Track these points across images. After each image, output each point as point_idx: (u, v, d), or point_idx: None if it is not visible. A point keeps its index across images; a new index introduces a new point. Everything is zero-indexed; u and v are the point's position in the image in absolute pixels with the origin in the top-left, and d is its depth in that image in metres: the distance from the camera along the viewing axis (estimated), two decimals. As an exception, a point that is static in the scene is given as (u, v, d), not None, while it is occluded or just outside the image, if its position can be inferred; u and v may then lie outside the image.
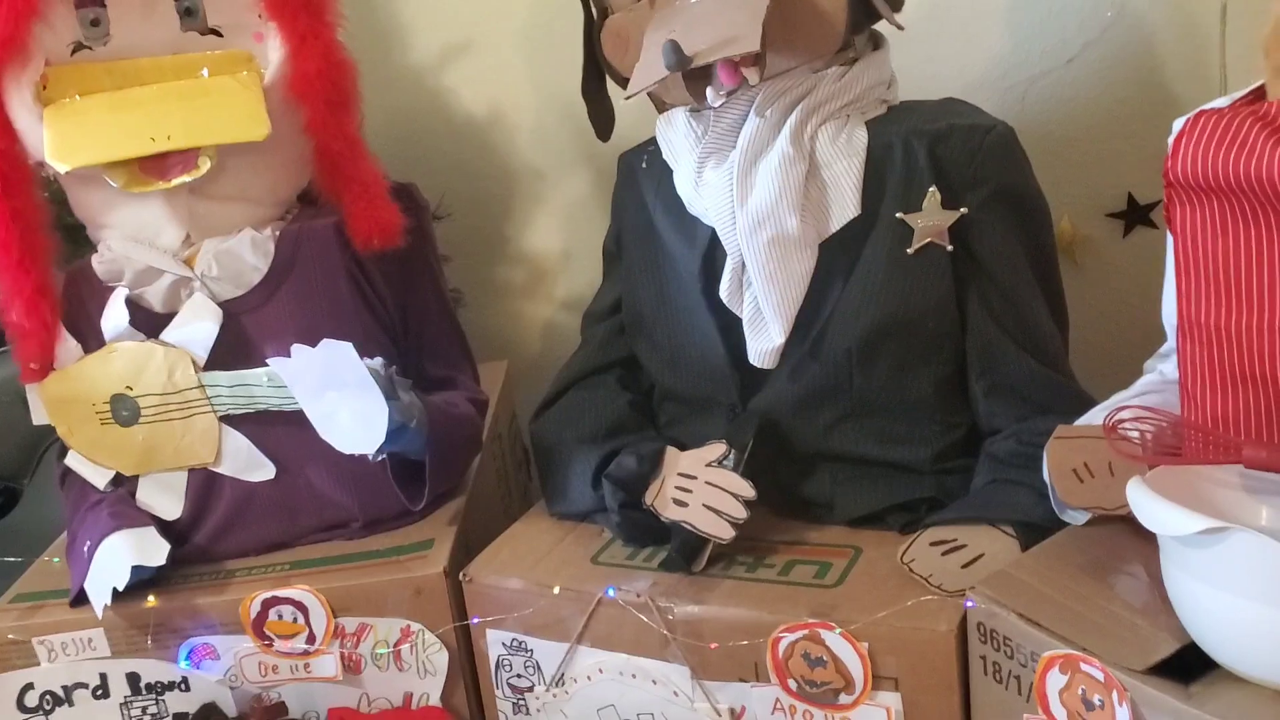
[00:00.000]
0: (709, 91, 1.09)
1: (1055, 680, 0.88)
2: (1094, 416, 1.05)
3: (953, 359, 1.12)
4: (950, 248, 1.08)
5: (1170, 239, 1.03)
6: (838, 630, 0.98)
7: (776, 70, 1.09)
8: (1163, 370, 1.08)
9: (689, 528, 1.10)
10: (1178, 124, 1.02)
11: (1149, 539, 0.99)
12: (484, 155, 1.78)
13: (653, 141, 1.23)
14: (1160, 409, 0.98)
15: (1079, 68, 1.44)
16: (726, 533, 1.09)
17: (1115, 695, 0.84)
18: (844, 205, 1.08)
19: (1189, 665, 0.84)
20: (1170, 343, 1.08)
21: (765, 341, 1.11)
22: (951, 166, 1.08)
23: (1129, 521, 0.97)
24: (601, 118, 1.27)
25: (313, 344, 1.08)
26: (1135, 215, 1.46)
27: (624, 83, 1.18)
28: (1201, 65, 1.38)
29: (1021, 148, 1.14)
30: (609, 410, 1.23)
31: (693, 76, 1.08)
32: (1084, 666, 0.86)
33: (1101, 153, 1.46)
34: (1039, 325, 1.12)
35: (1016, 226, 1.10)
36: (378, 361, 1.11)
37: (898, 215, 1.08)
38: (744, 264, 1.11)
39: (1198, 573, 0.80)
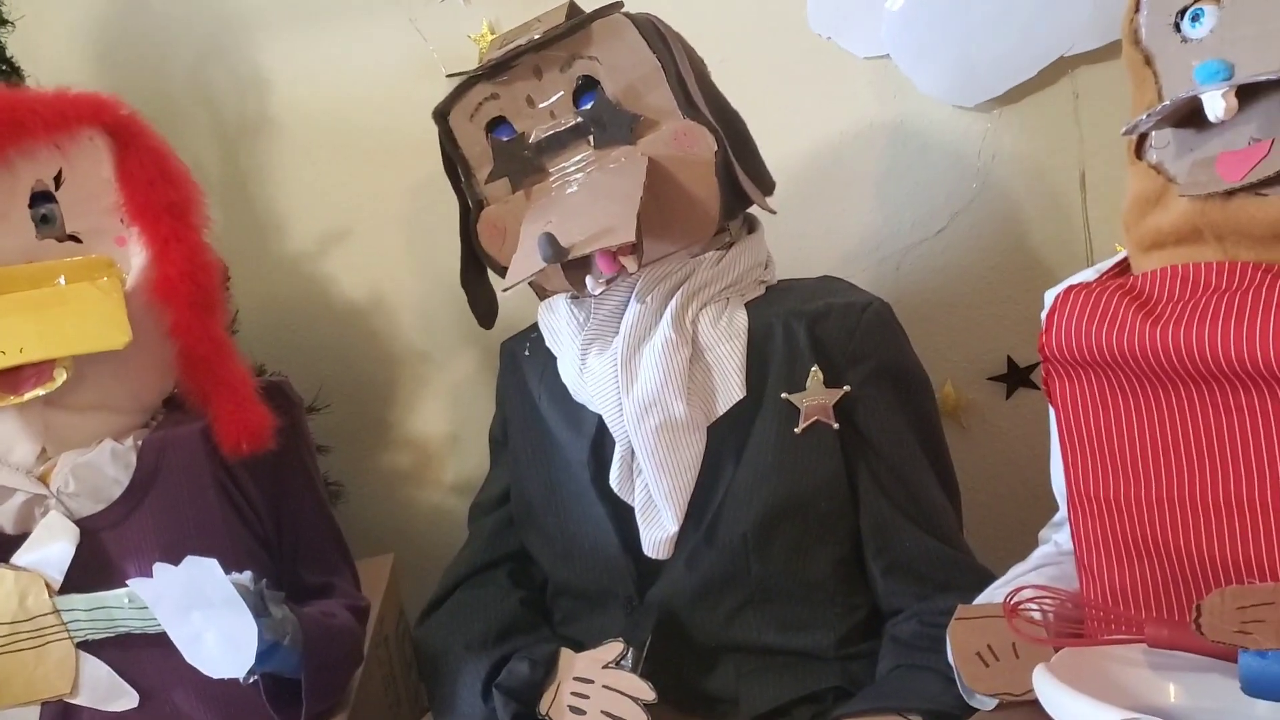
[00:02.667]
0: (589, 280, 1.08)
1: None
2: (994, 593, 1.03)
3: (849, 538, 1.10)
4: (836, 425, 1.07)
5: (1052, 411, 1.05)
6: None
7: (654, 256, 1.09)
8: (1057, 540, 1.06)
9: (585, 738, 1.04)
10: (1050, 296, 1.04)
11: None
12: (365, 340, 1.74)
13: (535, 328, 1.21)
14: (1058, 586, 0.97)
15: (950, 237, 1.48)
16: (628, 742, 1.03)
17: None
18: (729, 388, 1.07)
19: None
20: (1063, 512, 1.08)
21: (658, 530, 1.07)
22: (831, 345, 1.07)
23: (1038, 705, 0.95)
24: (482, 306, 1.25)
25: (179, 560, 1.01)
26: (1016, 378, 1.48)
27: (503, 271, 1.17)
28: (1067, 229, 1.43)
29: (898, 322, 1.14)
30: (499, 610, 1.18)
31: (572, 265, 1.07)
32: None
33: (978, 318, 1.49)
34: (931, 500, 1.10)
35: (899, 401, 1.10)
36: (246, 576, 1.04)
37: (783, 396, 1.06)
38: (633, 451, 1.08)
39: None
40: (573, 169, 1.11)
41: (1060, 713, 0.79)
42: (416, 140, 1.56)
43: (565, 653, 1.10)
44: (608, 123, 1.09)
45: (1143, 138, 0.91)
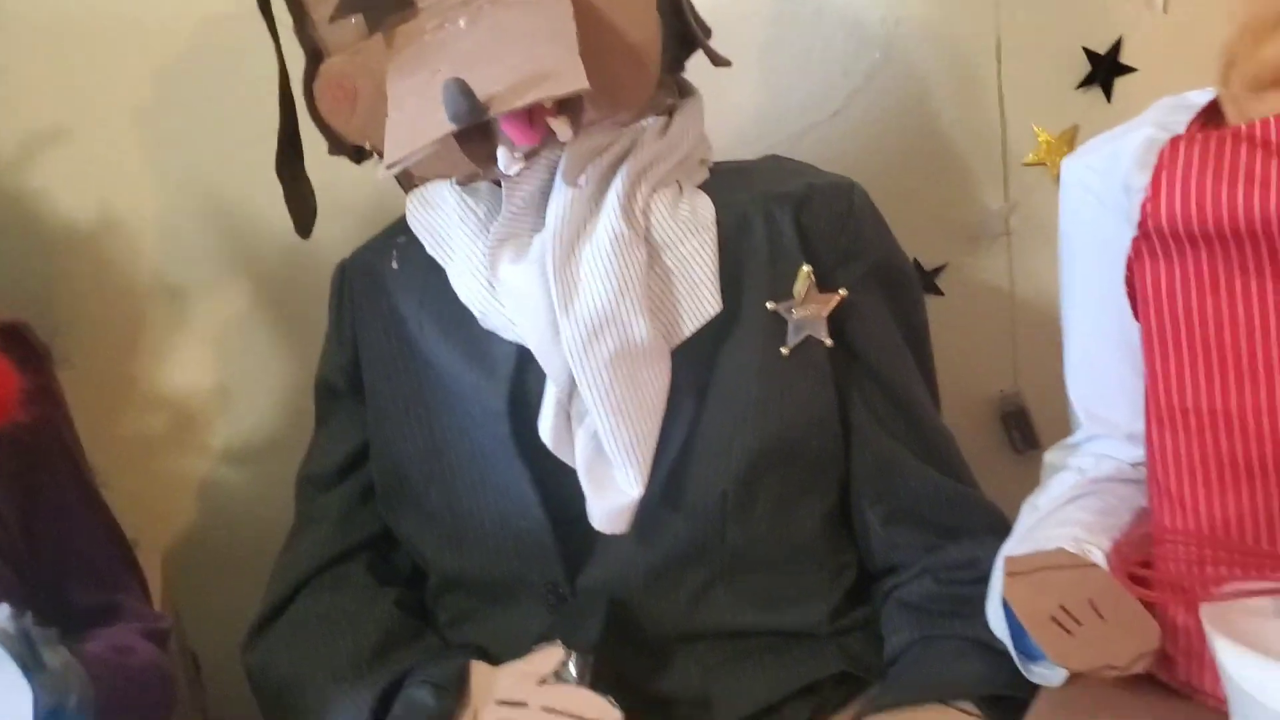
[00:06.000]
0: (500, 154, 0.77)
1: None
2: (1028, 539, 0.83)
3: (837, 484, 0.88)
4: (830, 342, 0.83)
5: (1075, 302, 0.86)
6: None
7: (583, 124, 0.79)
8: (1081, 467, 0.88)
9: (554, 781, 0.77)
10: (1070, 165, 0.84)
11: (1134, 687, 0.79)
12: (96, 273, 1.36)
13: (400, 231, 0.89)
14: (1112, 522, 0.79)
15: (846, 120, 1.27)
16: (590, 775, 0.76)
17: None
18: (699, 299, 0.80)
19: None
20: (1081, 433, 0.89)
21: (614, 497, 0.80)
22: (821, 238, 0.84)
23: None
24: (301, 204, 0.91)
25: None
26: (921, 282, 1.29)
27: (353, 151, 0.85)
28: (979, 109, 1.25)
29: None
30: (370, 619, 0.88)
31: (470, 137, 0.76)
32: None
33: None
34: (934, 427, 0.90)
35: (892, 307, 0.89)
36: (2, 613, 0.69)
37: (768, 305, 0.81)
38: (572, 392, 0.79)
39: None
40: (454, 4, 0.79)
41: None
42: (161, 9, 1.25)
43: (478, 668, 0.83)
44: (507, -62, 0.78)
45: (1254, -54, 0.71)
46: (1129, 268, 0.74)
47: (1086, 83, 1.20)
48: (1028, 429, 1.30)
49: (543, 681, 0.80)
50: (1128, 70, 1.19)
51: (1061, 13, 1.20)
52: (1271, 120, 0.69)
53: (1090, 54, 1.19)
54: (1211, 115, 0.76)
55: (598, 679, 0.81)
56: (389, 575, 0.93)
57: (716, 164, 0.92)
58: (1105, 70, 1.19)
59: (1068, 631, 0.75)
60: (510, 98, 0.70)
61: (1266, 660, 0.60)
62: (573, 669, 0.80)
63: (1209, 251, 0.70)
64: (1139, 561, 0.78)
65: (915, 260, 1.28)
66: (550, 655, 0.80)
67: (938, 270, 1.29)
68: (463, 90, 0.69)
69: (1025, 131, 1.24)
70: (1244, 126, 0.70)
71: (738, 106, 1.27)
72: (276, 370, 1.35)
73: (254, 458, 1.40)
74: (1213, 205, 0.68)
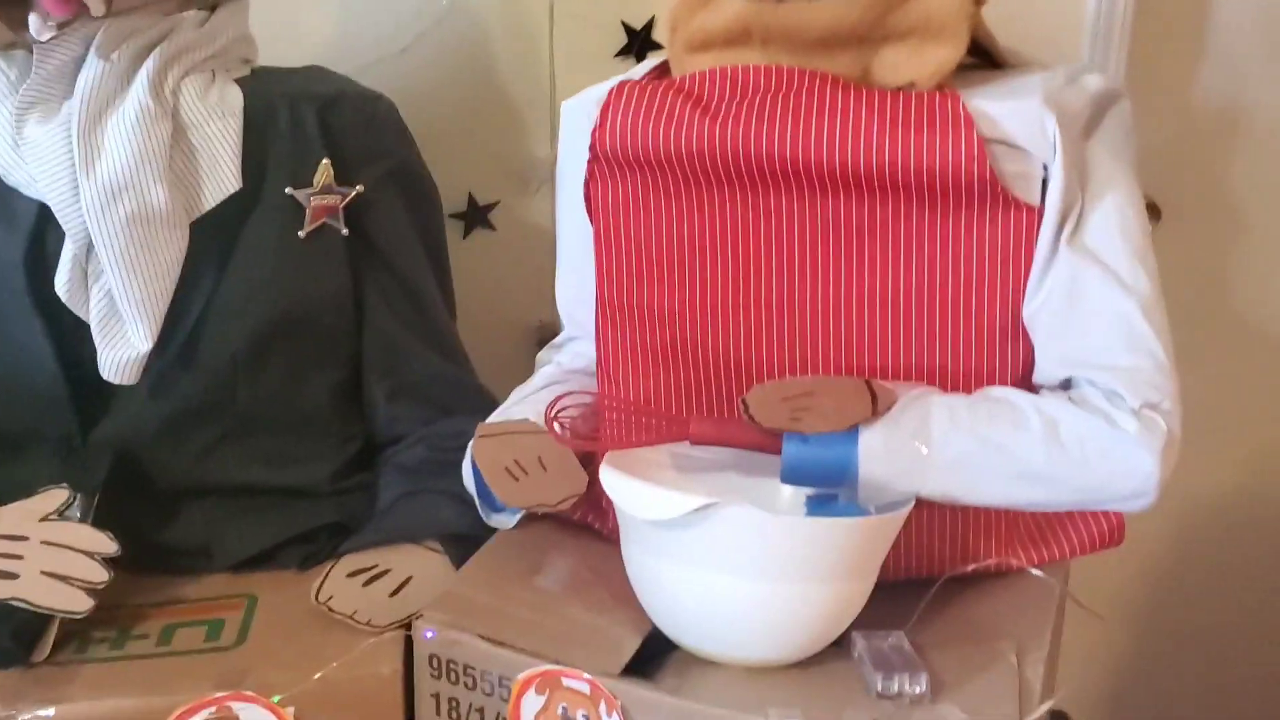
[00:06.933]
0: (32, 21, 0.82)
1: (532, 703, 0.79)
2: (506, 412, 0.98)
3: (349, 361, 0.99)
4: (346, 231, 0.94)
5: (563, 222, 1.01)
6: (260, 701, 0.79)
7: (121, 7, 0.86)
8: (559, 361, 1.04)
9: (22, 605, 0.83)
10: (565, 105, 1.00)
11: (575, 534, 0.96)
12: None
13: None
14: (586, 395, 0.95)
15: (413, 59, 1.37)
16: (81, 604, 0.84)
17: (604, 705, 0.77)
18: (221, 176, 0.89)
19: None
20: (564, 335, 1.06)
21: (124, 350, 0.87)
22: (344, 137, 0.94)
23: (553, 520, 0.93)
24: None
25: None
26: (475, 216, 1.43)
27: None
28: (533, 66, 1.39)
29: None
30: None
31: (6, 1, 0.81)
32: (567, 681, 0.78)
33: (438, 151, 1.39)
34: (439, 319, 1.03)
35: (411, 209, 1.01)
36: None
37: (287, 191, 0.91)
38: (89, 249, 0.86)
39: (680, 555, 0.77)
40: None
41: (640, 506, 0.77)
42: None
43: (-19, 507, 0.86)
44: None
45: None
46: (586, 185, 0.91)
47: (623, 53, 1.38)
48: (558, 355, 1.47)
49: (45, 519, 0.85)
50: (658, 46, 1.38)
51: (609, -10, 1.38)
52: (696, 75, 0.87)
53: (628, 28, 1.37)
54: (664, 71, 0.94)
55: (101, 522, 0.87)
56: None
57: (261, 67, 1.01)
58: (639, 44, 1.37)
59: (516, 479, 0.91)
60: (37, -37, 0.76)
61: (632, 480, 0.78)
62: (76, 509, 0.87)
63: (641, 175, 0.87)
64: (588, 429, 0.95)
65: (470, 195, 1.42)
66: (54, 495, 0.86)
67: (491, 206, 1.43)
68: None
69: (572, 90, 1.38)
70: (679, 79, 0.88)
71: (314, 29, 1.34)
72: None
73: None
74: (644, 137, 0.85)
